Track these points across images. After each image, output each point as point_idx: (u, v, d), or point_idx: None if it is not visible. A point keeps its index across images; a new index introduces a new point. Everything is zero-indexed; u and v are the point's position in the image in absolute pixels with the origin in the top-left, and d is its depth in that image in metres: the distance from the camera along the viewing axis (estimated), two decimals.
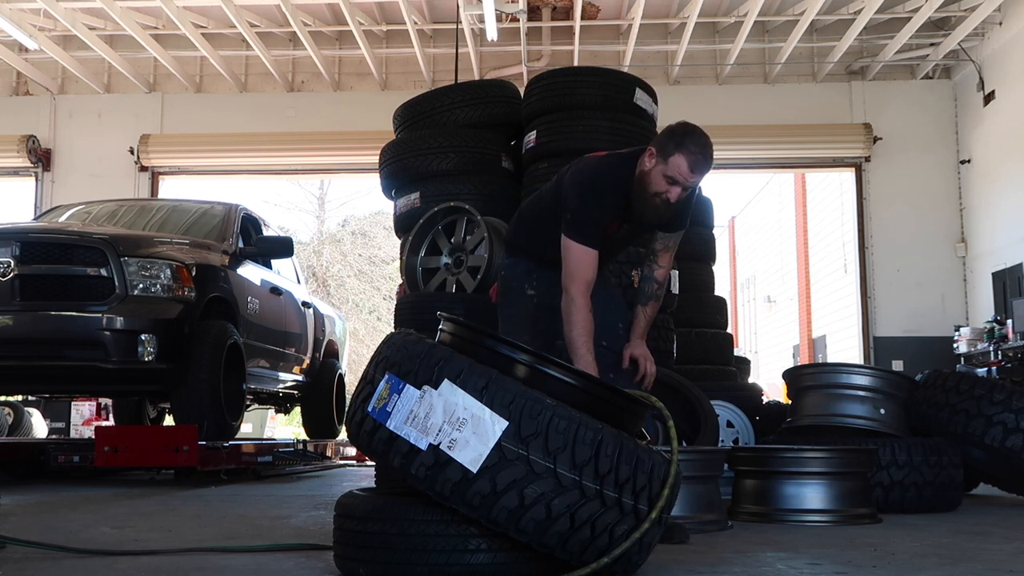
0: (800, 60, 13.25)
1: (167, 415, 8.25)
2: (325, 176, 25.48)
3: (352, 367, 14.08)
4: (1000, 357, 11.09)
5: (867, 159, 13.23)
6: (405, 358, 2.18)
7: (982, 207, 12.57)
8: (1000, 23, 11.97)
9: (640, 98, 5.72)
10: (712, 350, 6.14)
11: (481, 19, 11.47)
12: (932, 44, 12.72)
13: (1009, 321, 11.04)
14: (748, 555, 2.78)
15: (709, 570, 2.49)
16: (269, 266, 7.47)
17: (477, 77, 12.64)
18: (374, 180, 6.95)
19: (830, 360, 16.91)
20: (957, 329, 12.44)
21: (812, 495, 3.77)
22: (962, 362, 11.94)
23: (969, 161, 12.89)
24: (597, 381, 2.33)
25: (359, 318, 29.57)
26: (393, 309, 5.61)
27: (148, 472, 6.38)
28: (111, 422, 10.17)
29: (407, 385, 2.13)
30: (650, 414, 2.72)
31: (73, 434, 11.83)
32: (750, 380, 7.74)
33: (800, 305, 20.82)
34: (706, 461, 3.57)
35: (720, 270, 10.68)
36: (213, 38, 13.02)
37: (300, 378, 8.21)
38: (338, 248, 31.71)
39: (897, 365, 12.12)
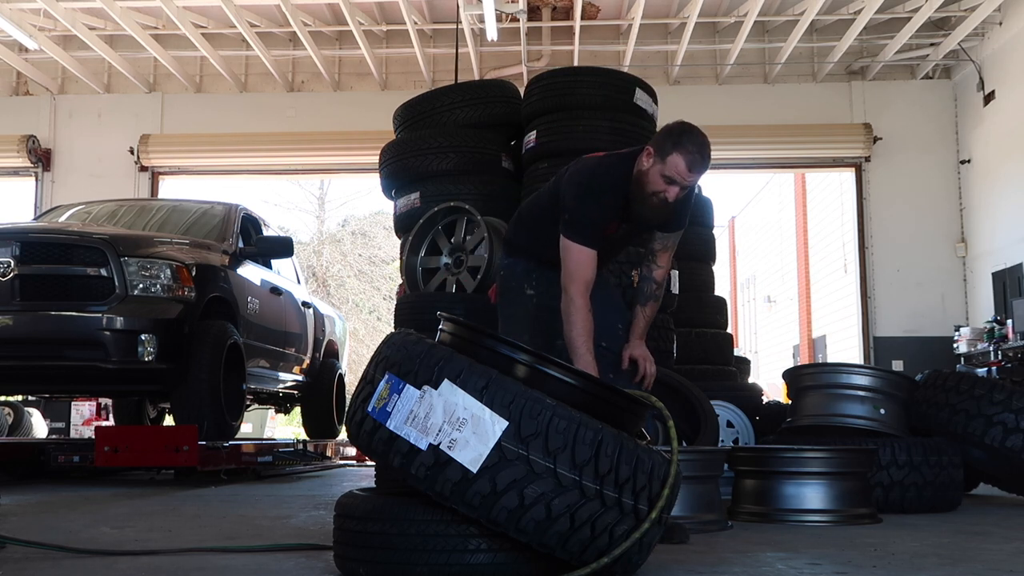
0: (800, 60, 13.26)
1: (167, 415, 8.26)
2: (325, 176, 25.48)
3: (352, 367, 14.08)
4: (1000, 357, 11.09)
5: (867, 159, 13.23)
6: (405, 358, 2.18)
7: (982, 207, 12.57)
8: (1000, 23, 11.97)
9: (640, 98, 5.72)
10: (712, 350, 6.14)
11: (481, 19, 11.47)
12: (932, 44, 12.73)
13: (1009, 321, 11.04)
14: (748, 555, 2.78)
15: (709, 570, 2.49)
16: (269, 266, 7.47)
17: (477, 77, 12.64)
18: (374, 180, 6.95)
19: (830, 360, 16.91)
20: (957, 329, 12.44)
21: (812, 495, 3.77)
22: (962, 362, 11.94)
23: (969, 161, 12.89)
24: (597, 381, 2.33)
25: (359, 318, 29.57)
26: (393, 309, 5.61)
27: (148, 472, 6.38)
28: (111, 422, 10.17)
29: (407, 385, 2.13)
30: (650, 414, 2.72)
31: (73, 434, 11.83)
32: (750, 380, 7.74)
33: (800, 305, 20.83)
34: (706, 461, 3.57)
35: (720, 270, 10.68)
36: (213, 38, 13.02)
37: (300, 378, 8.21)
38: (338, 248, 31.71)
39: (897, 365, 12.12)
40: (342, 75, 13.90)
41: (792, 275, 21.82)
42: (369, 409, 2.18)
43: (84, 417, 12.20)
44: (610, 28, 13.39)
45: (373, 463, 5.25)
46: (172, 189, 14.29)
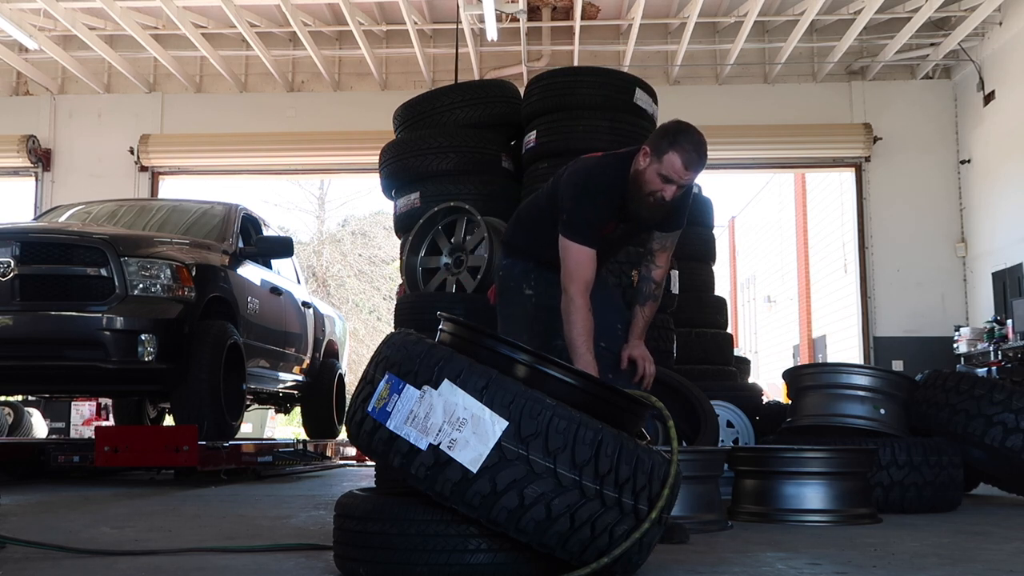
0: (800, 60, 13.26)
1: (167, 415, 8.25)
2: (325, 176, 25.48)
3: (352, 367, 14.08)
4: (1000, 357, 11.09)
5: (867, 159, 13.23)
6: (405, 358, 2.18)
7: (982, 207, 12.58)
8: (1000, 23, 11.97)
9: (640, 98, 5.72)
10: (712, 350, 6.14)
11: (481, 19, 11.47)
12: (932, 44, 12.73)
13: (1009, 321, 11.04)
14: (748, 555, 2.78)
15: (709, 570, 2.49)
16: (269, 266, 7.47)
17: (477, 77, 12.64)
18: (374, 180, 6.95)
19: (830, 360, 16.91)
20: (957, 329, 12.44)
21: (812, 495, 3.77)
22: (962, 362, 11.94)
23: (969, 161, 12.89)
24: (597, 381, 2.33)
25: (359, 318, 29.57)
26: (393, 309, 5.61)
27: (148, 472, 6.38)
28: (111, 422, 10.17)
29: (407, 385, 2.13)
30: (650, 414, 2.72)
31: (73, 434, 11.83)
32: (750, 380, 7.74)
33: (800, 305, 20.83)
34: (706, 461, 3.57)
35: (720, 270, 10.68)
36: (213, 38, 13.02)
37: (300, 378, 8.21)
38: (338, 248, 31.71)
39: (897, 365, 12.12)
40: (342, 75, 13.90)
41: (792, 275, 21.82)
42: (369, 409, 2.18)
43: (84, 417, 12.20)
44: (610, 28, 13.39)
45: (373, 463, 5.25)
46: (172, 189, 14.29)
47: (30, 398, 10.78)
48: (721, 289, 7.97)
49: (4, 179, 14.44)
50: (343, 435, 8.79)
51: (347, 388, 9.62)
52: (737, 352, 7.84)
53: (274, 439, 10.11)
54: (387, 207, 6.77)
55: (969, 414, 4.43)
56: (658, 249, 3.67)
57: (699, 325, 6.10)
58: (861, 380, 4.75)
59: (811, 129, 13.09)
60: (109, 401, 10.61)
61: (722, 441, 5.05)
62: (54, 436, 11.29)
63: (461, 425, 2.04)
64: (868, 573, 2.46)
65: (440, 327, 2.38)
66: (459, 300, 5.23)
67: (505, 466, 2.01)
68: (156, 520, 3.70)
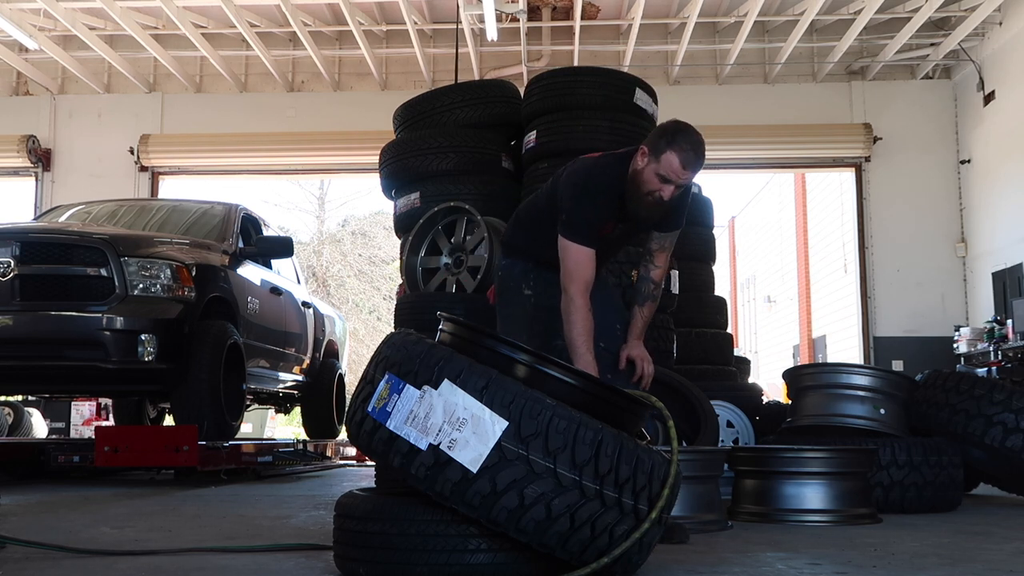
0: (800, 60, 13.26)
1: (167, 415, 8.25)
2: (325, 176, 25.48)
3: (352, 367, 14.08)
4: (1000, 357, 11.09)
5: (867, 159, 13.23)
6: (405, 358, 2.18)
7: (982, 207, 12.57)
8: (1000, 23, 11.97)
9: (640, 98, 5.72)
10: (712, 350, 6.14)
11: (481, 19, 11.47)
12: (932, 44, 12.73)
13: (1009, 321, 11.04)
14: (748, 555, 2.78)
15: (709, 570, 2.49)
16: (269, 266, 7.47)
17: (477, 77, 12.64)
18: (374, 180, 6.95)
19: (830, 360, 16.91)
20: (957, 329, 12.44)
21: (812, 495, 3.77)
22: (962, 362, 11.94)
23: (969, 161, 12.89)
24: (597, 381, 2.33)
25: (359, 318, 29.57)
26: (393, 309, 5.61)
27: (148, 472, 6.38)
28: (111, 422, 10.17)
29: (407, 385, 2.13)
30: (650, 414, 2.72)
31: (73, 434, 11.83)
32: (750, 380, 7.74)
33: (800, 305, 20.83)
34: (706, 461, 3.57)
35: (720, 270, 10.68)
36: (213, 38, 13.02)
37: (300, 378, 8.21)
38: (338, 248, 31.70)
39: (897, 365, 12.12)
40: (342, 75, 13.90)
41: (792, 275, 21.82)
42: (369, 409, 2.18)
43: (84, 417, 12.20)
44: (610, 28, 13.39)
45: (373, 463, 5.25)
46: (172, 189, 14.29)
47: (30, 398, 10.78)
48: (721, 289, 7.97)
49: (4, 179, 14.44)
50: (343, 435, 8.79)
51: (347, 388, 9.62)
52: (737, 352, 7.84)
53: (274, 439, 10.11)
54: (387, 207, 6.78)
55: (969, 414, 4.43)
56: (657, 249, 3.67)
57: (699, 325, 6.10)
58: (861, 380, 4.75)
59: (811, 129, 13.09)
60: (109, 401, 10.61)
61: (722, 441, 5.05)
62: (54, 436, 11.29)
63: (461, 425, 2.04)
64: (868, 573, 2.46)
65: (440, 327, 2.38)
66: (459, 300, 5.23)
67: (505, 466, 2.01)
68: (156, 520, 3.70)
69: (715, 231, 6.96)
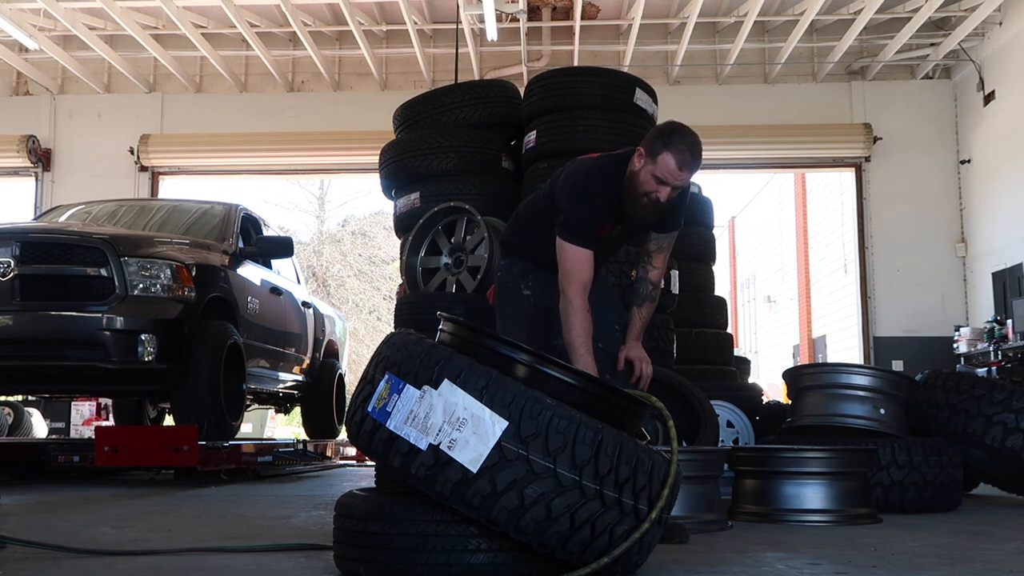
0: (800, 60, 13.26)
1: (167, 415, 8.26)
2: (325, 176, 25.48)
3: (352, 367, 14.08)
4: (1000, 357, 11.09)
5: (867, 159, 13.23)
6: (405, 358, 2.18)
7: (982, 207, 12.57)
8: (1000, 23, 11.97)
9: (640, 98, 5.72)
10: (712, 350, 6.14)
11: (481, 19, 11.47)
12: (932, 44, 12.73)
13: (1009, 321, 11.04)
14: (748, 555, 2.78)
15: (709, 570, 2.49)
16: (269, 266, 7.47)
17: (477, 77, 12.64)
18: (374, 180, 6.95)
19: (830, 360, 16.91)
20: (957, 329, 12.44)
21: (812, 495, 3.77)
22: (962, 362, 11.94)
23: (969, 161, 12.89)
24: (598, 381, 2.33)
25: (359, 318, 29.57)
26: (393, 309, 5.61)
27: (148, 472, 6.38)
28: (111, 422, 10.17)
29: (407, 385, 2.13)
30: (650, 414, 2.72)
31: (73, 434, 11.83)
32: (750, 380, 7.74)
33: (800, 305, 20.83)
34: (706, 461, 3.57)
35: (720, 270, 10.68)
36: (213, 38, 13.02)
37: (300, 378, 8.21)
38: (338, 248, 31.71)
39: (897, 365, 12.12)
40: (342, 75, 13.90)
41: (792, 275, 21.82)
42: (369, 409, 2.18)
43: (84, 417, 12.20)
44: (610, 28, 13.39)
45: (373, 463, 5.25)
46: (172, 189, 14.29)
47: (30, 398, 10.78)
48: (721, 289, 7.97)
49: (4, 179, 14.44)
50: (343, 435, 8.79)
51: (347, 388, 9.62)
52: (737, 352, 7.84)
53: (274, 439, 10.11)
54: (387, 207, 6.77)
55: (969, 414, 4.43)
56: (655, 250, 3.67)
57: (699, 325, 6.10)
58: (861, 380, 4.75)
59: (811, 129, 13.09)
60: (109, 401, 10.61)
61: (722, 441, 5.05)
62: (54, 436, 11.29)
63: (461, 425, 2.04)
64: (868, 573, 2.46)
65: (440, 327, 2.38)
66: (459, 300, 5.23)
67: (505, 466, 2.01)
68: (156, 520, 3.70)
69: (715, 231, 6.96)
